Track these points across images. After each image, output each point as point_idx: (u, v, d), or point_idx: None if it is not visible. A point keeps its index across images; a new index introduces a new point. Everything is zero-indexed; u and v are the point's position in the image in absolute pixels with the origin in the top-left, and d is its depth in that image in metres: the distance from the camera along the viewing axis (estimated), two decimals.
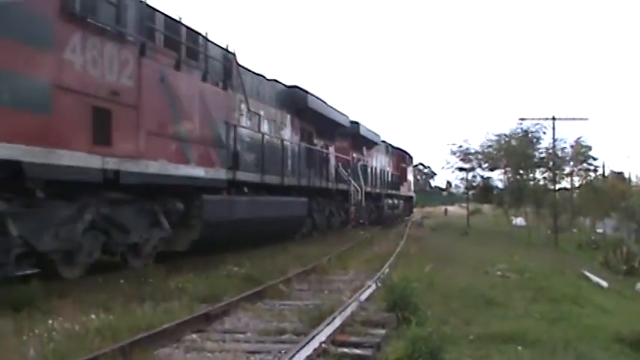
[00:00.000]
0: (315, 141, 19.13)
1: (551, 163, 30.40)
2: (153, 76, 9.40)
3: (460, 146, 34.81)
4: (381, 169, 28.95)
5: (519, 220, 35.84)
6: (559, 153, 31.65)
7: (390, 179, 31.11)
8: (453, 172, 35.85)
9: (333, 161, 20.80)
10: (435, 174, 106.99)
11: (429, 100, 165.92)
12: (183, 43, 10.46)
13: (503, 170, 33.29)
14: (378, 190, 27.29)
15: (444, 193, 79.66)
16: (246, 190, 12.86)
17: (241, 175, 12.55)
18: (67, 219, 7.87)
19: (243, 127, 12.96)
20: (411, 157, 40.35)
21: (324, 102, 19.29)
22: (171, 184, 9.87)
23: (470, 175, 35.43)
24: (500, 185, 35.12)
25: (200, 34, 11.23)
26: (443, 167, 38.92)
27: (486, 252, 17.09)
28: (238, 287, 8.46)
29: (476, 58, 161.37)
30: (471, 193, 36.80)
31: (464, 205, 48.34)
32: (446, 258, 14.29)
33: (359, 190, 22.64)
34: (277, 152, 15.02)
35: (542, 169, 31.33)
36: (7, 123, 6.59)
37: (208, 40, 11.48)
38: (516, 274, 12.28)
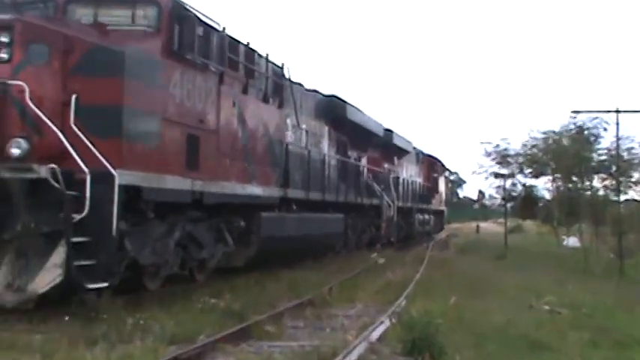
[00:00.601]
0: (349, 152, 22.47)
1: (614, 168, 28.87)
2: (228, 101, 12.72)
3: (496, 146, 33.91)
4: (411, 181, 32.29)
5: (572, 241, 34.47)
6: (624, 155, 29.44)
7: (420, 191, 34.40)
8: (487, 178, 35.38)
9: (364, 173, 24.11)
10: (464, 181, 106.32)
11: (456, 92, 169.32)
12: (249, 66, 13.77)
13: (551, 177, 32.29)
14: (409, 204, 30.71)
15: (476, 205, 79.84)
16: (294, 207, 16.18)
17: (291, 193, 15.89)
18: (161, 236, 11.18)
19: (293, 144, 16.28)
20: (442, 165, 43.36)
21: (361, 111, 22.63)
22: (237, 202, 13.18)
23: (508, 183, 34.43)
24: (547, 196, 34.17)
25: (260, 53, 14.55)
26: (474, 172, 36.53)
27: (530, 280, 16.88)
28: (217, 324, 8.46)
29: (516, 41, 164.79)
30: (509, 205, 36.31)
31: (500, 220, 49.11)
32: (478, 287, 14.28)
33: (391, 204, 25.97)
34: (319, 168, 18.36)
35: (601, 175, 29.81)
36: (132, 153, 9.90)
37: (268, 60, 14.82)
38: (569, 309, 12.09)
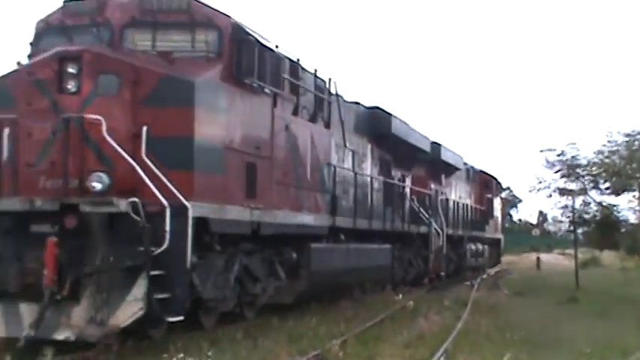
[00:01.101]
0: (393, 172, 24.30)
1: None
2: (280, 124, 14.67)
3: (561, 154, 31.57)
4: (462, 203, 33.68)
5: None
6: None
7: (472, 216, 35.68)
8: (550, 196, 32.88)
9: (409, 196, 25.89)
10: (519, 200, 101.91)
11: (504, 90, 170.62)
12: (299, 85, 15.76)
13: (637, 193, 30.53)
14: (460, 232, 32.17)
15: (535, 231, 75.53)
16: (342, 237, 18.11)
17: (339, 221, 17.82)
18: (222, 269, 13.13)
19: (340, 166, 18.22)
20: (498, 184, 43.88)
21: (407, 123, 24.47)
22: (289, 233, 15.12)
23: (579, 202, 31.69)
24: (632, 219, 31.73)
25: (307, 69, 16.54)
26: (532, 189, 33.71)
27: (612, 333, 15.75)
28: None
29: (585, 23, 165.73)
30: (580, 231, 34.12)
31: (569, 251, 48.77)
32: (540, 341, 14.08)
33: (440, 232, 27.74)
34: (366, 192, 20.28)
35: None
36: (201, 184, 11.88)
37: (315, 76, 16.81)
38: None
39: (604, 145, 30.81)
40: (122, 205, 10.72)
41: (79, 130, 10.96)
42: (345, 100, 19.63)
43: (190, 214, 11.04)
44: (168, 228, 10.70)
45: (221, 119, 12.44)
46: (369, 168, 21.56)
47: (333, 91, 17.97)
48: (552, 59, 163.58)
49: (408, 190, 25.50)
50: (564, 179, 32.28)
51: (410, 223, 24.86)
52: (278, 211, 14.48)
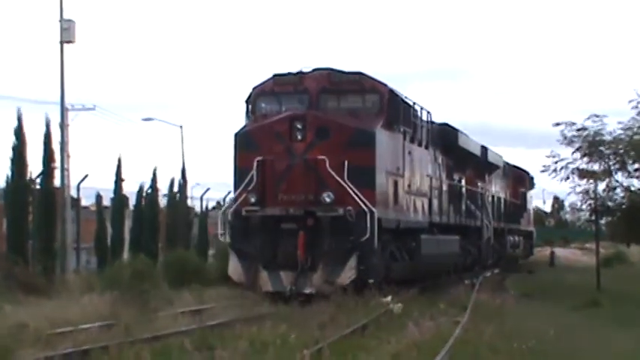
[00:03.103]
0: (455, 175, 33.36)
1: None
2: (407, 151, 23.91)
3: (582, 129, 29.28)
4: (502, 198, 42.84)
5: None
6: None
7: (509, 210, 44.60)
8: (567, 179, 30.35)
9: (465, 195, 34.92)
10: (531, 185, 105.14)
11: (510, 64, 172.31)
12: (414, 121, 24.78)
13: None
14: (501, 225, 41.28)
15: (549, 220, 73.38)
16: (435, 230, 27.15)
17: (434, 218, 26.90)
18: (384, 252, 22.10)
19: (434, 177, 27.30)
20: (531, 179, 51.64)
21: (466, 135, 33.48)
22: (412, 227, 24.14)
23: (602, 187, 29.76)
24: None
25: (415, 107, 25.54)
26: (545, 169, 31.34)
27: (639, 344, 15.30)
28: None
29: None
30: (604, 221, 33.07)
31: (589, 245, 51.86)
32: (554, 354, 13.88)
33: (488, 226, 36.66)
34: (445, 194, 29.42)
35: None
36: (377, 197, 20.92)
37: (422, 110, 25.83)
38: None
39: (632, 118, 28.93)
40: (341, 211, 19.90)
41: (315, 165, 20.00)
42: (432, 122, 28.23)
43: (376, 215, 19.97)
44: (369, 224, 19.80)
45: (384, 154, 21.54)
46: (444, 174, 30.42)
47: (427, 118, 26.73)
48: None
49: (464, 190, 34.67)
50: (584, 159, 29.74)
51: (467, 218, 33.99)
52: (407, 213, 23.45)
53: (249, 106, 22.73)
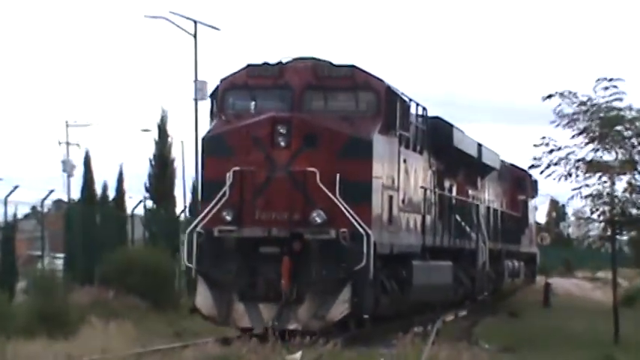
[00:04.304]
0: (445, 182, 29.96)
1: None
2: (402, 159, 21.95)
3: (587, 101, 22.34)
4: (497, 210, 35.63)
5: None
6: None
7: (506, 225, 36.43)
8: (569, 176, 22.67)
9: (454, 207, 31.80)
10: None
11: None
12: (409, 122, 22.56)
13: None
14: (499, 246, 34.76)
15: (544, 237, 58.95)
16: (428, 255, 24.80)
17: (427, 240, 24.61)
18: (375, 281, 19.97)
19: (427, 188, 25.05)
20: (533, 182, 40.39)
21: (462, 131, 29.70)
22: (404, 252, 21.94)
23: (621, 185, 22.22)
24: None
25: (410, 104, 23.29)
26: (538, 164, 22.97)
27: None
28: None
29: None
30: (625, 237, 28.11)
31: (602, 274, 43.38)
32: None
33: (483, 248, 32.15)
34: (435, 208, 27.02)
35: None
36: (373, 216, 18.78)
37: (417, 107, 23.60)
38: None
39: None
40: (333, 233, 17.97)
41: (303, 179, 18.08)
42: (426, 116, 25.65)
43: (372, 239, 17.93)
44: (365, 250, 17.95)
45: (380, 164, 19.91)
46: (428, 181, 26.54)
47: (422, 114, 24.31)
48: None
49: (455, 201, 29.84)
50: (592, 145, 22.65)
51: (460, 238, 29.81)
52: (400, 233, 21.28)
53: (215, 102, 20.51)
